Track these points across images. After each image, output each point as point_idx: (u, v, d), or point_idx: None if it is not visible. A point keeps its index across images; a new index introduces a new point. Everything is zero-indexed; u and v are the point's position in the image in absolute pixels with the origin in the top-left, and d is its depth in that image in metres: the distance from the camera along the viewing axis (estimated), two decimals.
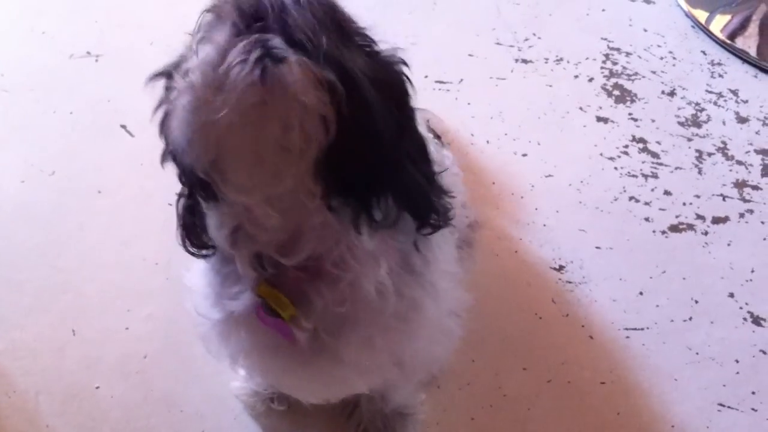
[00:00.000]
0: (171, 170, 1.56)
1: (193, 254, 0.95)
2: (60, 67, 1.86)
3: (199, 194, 0.85)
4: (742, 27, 2.02)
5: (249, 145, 0.74)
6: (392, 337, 0.97)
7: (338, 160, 0.75)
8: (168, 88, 0.81)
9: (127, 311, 1.45)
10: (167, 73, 0.82)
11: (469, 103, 1.80)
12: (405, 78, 0.83)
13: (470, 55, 1.91)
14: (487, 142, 1.73)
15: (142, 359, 1.39)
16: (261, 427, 1.33)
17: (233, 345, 1.00)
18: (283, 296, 0.90)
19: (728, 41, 1.97)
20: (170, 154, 0.82)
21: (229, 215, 0.84)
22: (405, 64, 0.83)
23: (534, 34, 1.97)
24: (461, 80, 1.85)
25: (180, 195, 0.93)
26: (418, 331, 0.99)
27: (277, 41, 0.71)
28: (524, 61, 1.91)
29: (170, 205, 1.55)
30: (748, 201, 1.65)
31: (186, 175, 0.84)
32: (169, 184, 1.58)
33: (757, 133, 1.78)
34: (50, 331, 1.43)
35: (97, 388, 1.36)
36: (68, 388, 1.36)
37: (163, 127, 0.81)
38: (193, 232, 0.93)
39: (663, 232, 1.59)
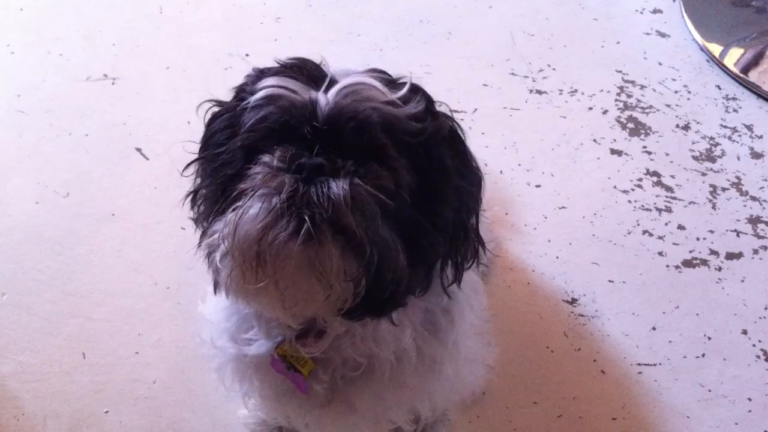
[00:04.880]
0: (183, 195, 1.57)
1: None
2: (76, 90, 1.87)
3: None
4: (756, 61, 2.02)
5: (284, 294, 0.80)
6: (408, 393, 0.98)
7: (360, 302, 0.80)
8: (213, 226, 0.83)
9: (137, 336, 1.45)
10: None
11: (483, 133, 1.80)
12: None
13: (484, 84, 1.91)
14: (501, 172, 1.73)
15: (151, 385, 1.39)
16: None
17: (246, 384, 1.02)
18: (303, 354, 0.92)
19: (741, 75, 1.97)
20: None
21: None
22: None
23: (548, 66, 1.97)
24: (475, 110, 1.85)
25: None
26: (435, 387, 1.00)
27: (317, 216, 0.75)
28: (538, 92, 1.91)
29: (183, 229, 1.58)
30: (762, 237, 1.64)
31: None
32: (180, 209, 1.61)
33: None
34: (59, 354, 1.43)
35: (106, 412, 1.36)
36: (76, 413, 1.36)
37: (208, 259, 0.85)
38: None
39: (676, 267, 1.58)
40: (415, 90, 0.83)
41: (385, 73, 0.84)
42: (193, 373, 1.40)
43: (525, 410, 1.37)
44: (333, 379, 0.95)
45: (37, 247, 1.57)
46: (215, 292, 0.88)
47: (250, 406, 1.30)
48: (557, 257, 1.58)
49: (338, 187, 0.75)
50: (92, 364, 1.42)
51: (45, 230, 1.60)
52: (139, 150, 1.74)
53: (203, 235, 0.85)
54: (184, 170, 0.92)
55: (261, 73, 0.85)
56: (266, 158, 0.78)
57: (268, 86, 0.80)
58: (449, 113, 0.88)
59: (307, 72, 0.82)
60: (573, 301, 1.52)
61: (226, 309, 1.00)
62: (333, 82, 0.80)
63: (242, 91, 0.86)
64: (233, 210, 0.77)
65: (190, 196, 0.91)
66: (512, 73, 1.96)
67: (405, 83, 0.82)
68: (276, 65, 0.85)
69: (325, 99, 0.78)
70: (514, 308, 1.49)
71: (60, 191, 1.66)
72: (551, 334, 1.47)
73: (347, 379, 0.95)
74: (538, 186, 1.71)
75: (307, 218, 0.74)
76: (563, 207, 1.67)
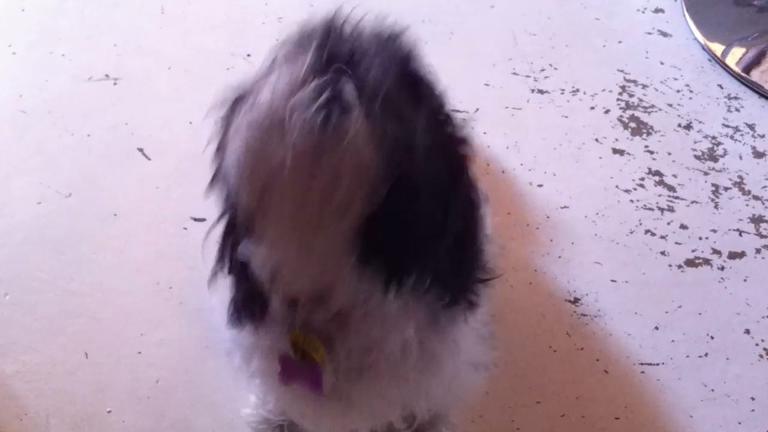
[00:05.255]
0: (186, 195, 1.57)
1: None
2: (78, 90, 1.87)
3: (240, 228, 0.83)
4: (758, 61, 2.02)
5: (295, 188, 0.71)
6: (407, 389, 0.97)
7: (378, 226, 0.72)
8: (230, 111, 0.78)
9: (140, 335, 1.45)
10: (235, 98, 0.79)
11: (484, 133, 1.80)
12: (464, 160, 0.82)
13: (486, 84, 1.91)
14: (503, 172, 1.73)
15: (154, 384, 1.39)
16: None
17: (254, 367, 1.01)
18: (316, 339, 0.89)
19: (744, 74, 1.97)
20: (220, 180, 0.82)
21: (267, 258, 0.82)
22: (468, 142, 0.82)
23: (550, 65, 1.97)
24: (477, 110, 1.85)
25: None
26: (434, 384, 0.99)
27: (349, 88, 0.68)
28: (540, 92, 1.91)
29: (185, 229, 1.59)
30: (765, 236, 1.64)
31: (233, 206, 0.82)
32: (183, 209, 1.61)
33: None
34: (62, 354, 1.43)
35: (109, 412, 1.36)
36: (80, 412, 1.36)
37: (219, 153, 0.80)
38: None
39: (679, 267, 1.58)
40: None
41: None
42: (197, 373, 1.40)
43: (528, 410, 1.37)
44: (336, 374, 0.93)
45: (40, 247, 1.57)
46: (212, 186, 0.84)
47: (252, 402, 1.32)
48: (559, 257, 1.58)
49: (366, 71, 0.70)
50: (95, 363, 1.42)
51: (47, 230, 1.60)
52: (141, 150, 1.74)
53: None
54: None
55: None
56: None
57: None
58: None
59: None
60: (575, 301, 1.52)
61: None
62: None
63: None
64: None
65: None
66: (514, 73, 1.96)
67: None
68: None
69: None
70: (516, 308, 1.49)
71: (62, 191, 1.66)
72: (554, 333, 1.47)
73: (347, 377, 0.93)
74: (540, 186, 1.71)
75: (342, 89, 0.68)
76: (565, 206, 1.67)
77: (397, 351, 0.91)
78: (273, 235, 0.77)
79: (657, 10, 2.14)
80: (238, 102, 0.77)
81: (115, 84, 1.89)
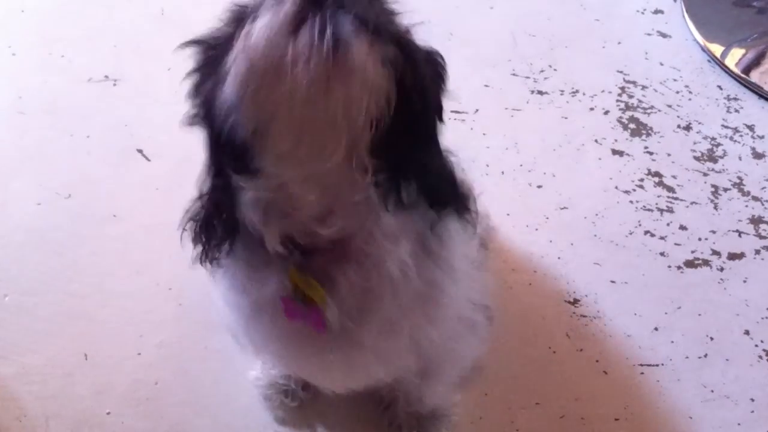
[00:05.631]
0: (186, 197, 1.57)
1: (210, 250, 0.96)
2: (77, 91, 1.87)
3: (230, 166, 0.83)
4: (757, 62, 2.02)
5: (307, 115, 0.72)
6: (413, 320, 0.98)
7: (393, 136, 0.76)
8: (215, 47, 0.81)
9: (139, 337, 1.45)
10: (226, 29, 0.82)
11: (484, 134, 1.80)
12: (444, 69, 0.86)
13: (486, 85, 1.91)
14: (502, 173, 1.73)
15: (153, 386, 1.39)
16: (274, 419, 1.34)
17: (258, 333, 1.03)
18: (313, 280, 0.91)
19: (743, 75, 1.97)
20: (203, 117, 0.82)
21: (263, 190, 0.83)
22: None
23: (550, 66, 1.97)
24: (476, 110, 1.85)
25: (206, 179, 0.91)
26: (439, 313, 1.01)
27: (348, 18, 0.70)
28: (540, 93, 1.91)
29: (185, 230, 1.58)
30: (764, 237, 1.64)
31: (220, 143, 0.81)
32: (183, 210, 1.61)
33: None
34: (62, 355, 1.43)
35: (108, 414, 1.36)
36: (79, 414, 1.36)
37: (201, 87, 0.82)
38: (222, 212, 0.91)
39: (678, 268, 1.58)
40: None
41: None
42: (196, 375, 1.40)
43: (527, 411, 1.37)
44: (341, 315, 0.94)
45: (39, 249, 1.57)
46: (191, 123, 0.86)
47: (259, 365, 1.34)
48: (559, 258, 1.58)
49: None
50: (94, 365, 1.42)
51: (46, 232, 1.60)
52: (140, 151, 1.74)
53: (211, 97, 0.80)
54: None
55: None
56: None
57: None
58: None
59: None
60: (575, 302, 1.51)
61: (231, 266, 0.99)
62: None
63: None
64: (243, 30, 0.73)
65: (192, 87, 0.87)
66: (513, 74, 1.96)
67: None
68: None
69: None
70: (515, 309, 1.49)
71: (61, 192, 1.66)
72: (553, 334, 1.47)
73: (353, 317, 0.95)
74: (539, 187, 1.71)
75: (328, 16, 0.70)
76: (565, 207, 1.67)
77: (398, 275, 0.92)
78: (273, 164, 0.79)
79: (656, 11, 2.14)
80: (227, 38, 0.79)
81: (114, 85, 1.89)
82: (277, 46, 0.70)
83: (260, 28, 0.71)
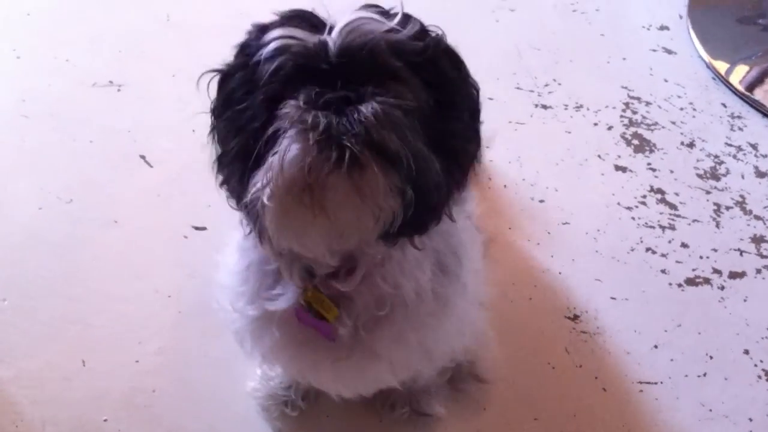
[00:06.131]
0: (187, 204, 1.57)
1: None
2: (81, 96, 1.87)
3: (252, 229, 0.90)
4: (761, 79, 2.02)
5: (334, 224, 0.83)
6: (424, 332, 1.02)
7: (402, 223, 0.83)
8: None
9: (137, 344, 1.44)
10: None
11: (487, 147, 1.79)
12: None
13: (490, 98, 1.90)
14: (504, 186, 1.73)
15: (150, 393, 1.38)
16: (272, 430, 1.34)
17: (267, 342, 1.04)
18: (328, 300, 0.97)
19: (747, 93, 1.97)
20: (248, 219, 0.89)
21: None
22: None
23: (554, 80, 1.97)
24: (480, 123, 1.84)
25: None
26: (448, 325, 1.05)
27: (366, 150, 0.78)
28: (544, 107, 1.91)
29: (186, 237, 1.58)
30: (766, 257, 1.63)
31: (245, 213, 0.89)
32: (184, 217, 1.61)
33: None
34: (59, 360, 1.42)
35: (105, 420, 1.35)
36: (75, 420, 1.35)
37: (250, 211, 0.86)
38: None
39: (679, 285, 1.57)
40: (408, 16, 0.88)
41: (377, 6, 0.88)
42: (194, 383, 1.39)
43: (525, 426, 1.36)
44: (355, 326, 0.99)
45: (39, 252, 1.57)
46: (261, 242, 0.90)
47: (258, 376, 1.35)
48: (560, 273, 1.58)
49: (367, 108, 0.78)
50: (92, 370, 1.41)
51: (47, 235, 1.59)
52: (143, 157, 1.74)
53: (241, 193, 0.86)
54: (209, 135, 0.93)
55: (263, 28, 0.88)
56: (293, 102, 0.81)
57: (276, 38, 0.83)
58: (442, 34, 0.92)
59: (307, 20, 0.86)
60: (575, 318, 1.51)
61: (241, 273, 1.03)
62: (333, 25, 0.84)
63: (247, 48, 0.89)
64: (273, 155, 0.79)
65: (217, 162, 0.92)
66: (518, 87, 1.96)
67: (398, 12, 0.87)
68: (275, 19, 0.88)
69: (332, 39, 0.82)
70: (515, 323, 1.49)
71: (63, 197, 1.66)
72: (552, 350, 1.46)
73: (369, 325, 0.99)
74: (541, 201, 1.70)
75: (348, 143, 0.77)
76: (566, 222, 1.67)
77: (413, 296, 0.98)
78: (301, 251, 0.89)
79: (662, 27, 2.15)
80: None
81: (118, 90, 1.89)
82: (303, 176, 0.78)
83: (290, 160, 0.78)
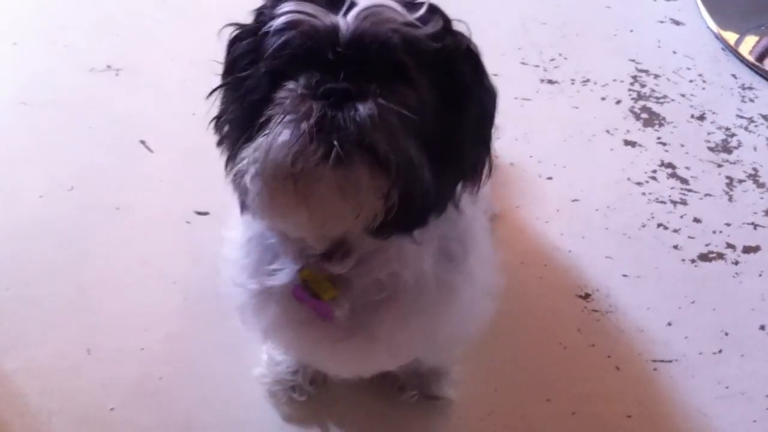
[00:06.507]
0: (190, 189, 1.55)
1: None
2: (80, 82, 1.85)
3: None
4: None
5: (315, 214, 0.82)
6: (427, 318, 1.00)
7: (388, 218, 0.81)
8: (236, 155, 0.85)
9: (144, 331, 1.43)
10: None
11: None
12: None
13: (495, 74, 1.84)
14: (511, 164, 1.70)
15: (158, 381, 1.37)
16: (280, 415, 1.32)
17: (267, 318, 1.03)
18: (325, 280, 0.95)
19: (756, 63, 1.94)
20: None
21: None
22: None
23: (560, 55, 1.94)
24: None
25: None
26: (452, 313, 1.03)
27: (357, 147, 0.76)
28: (550, 82, 1.88)
29: (188, 223, 1.56)
30: None
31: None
32: (187, 202, 1.59)
33: None
34: (66, 349, 1.40)
35: (112, 409, 1.33)
36: (83, 409, 1.33)
37: (236, 182, 0.85)
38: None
39: (692, 261, 1.55)
40: (433, 10, 0.85)
41: None
42: (201, 369, 1.37)
43: (538, 407, 1.34)
44: (354, 308, 0.97)
45: (42, 241, 1.55)
46: (241, 213, 0.90)
47: (264, 361, 1.33)
48: (570, 251, 1.55)
49: (364, 109, 0.77)
50: (98, 359, 1.39)
51: (50, 223, 1.57)
52: (143, 142, 1.72)
53: (229, 159, 0.86)
54: (209, 95, 0.91)
55: None
56: (292, 85, 0.80)
57: (288, 11, 0.81)
58: (467, 32, 0.89)
59: None
60: (586, 296, 1.49)
61: (244, 246, 1.02)
62: (352, 4, 0.81)
63: (261, 14, 0.86)
64: (263, 136, 0.78)
65: (215, 121, 0.91)
66: (523, 62, 1.93)
67: (423, 3, 0.84)
68: None
69: (345, 23, 0.79)
70: (526, 304, 1.47)
71: (65, 184, 1.64)
72: (564, 330, 1.44)
73: (368, 307, 0.97)
74: (549, 178, 1.68)
75: (336, 142, 0.76)
76: (576, 200, 1.64)
77: (413, 282, 0.96)
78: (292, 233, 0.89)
79: None
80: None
81: (117, 75, 1.86)
82: (288, 165, 0.77)
83: (277, 147, 0.77)
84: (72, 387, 1.36)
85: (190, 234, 1.56)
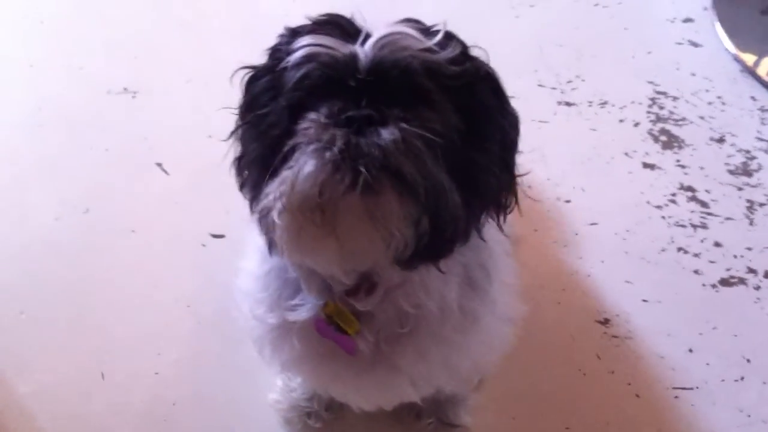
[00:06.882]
0: (205, 211, 1.54)
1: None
2: (96, 104, 1.85)
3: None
4: None
5: (344, 246, 0.80)
6: (449, 349, 0.99)
7: (419, 247, 0.80)
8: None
9: (156, 355, 1.42)
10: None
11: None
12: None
13: (511, 96, 1.85)
14: (529, 187, 1.67)
15: (171, 406, 1.36)
16: None
17: (287, 352, 1.02)
18: (349, 314, 0.94)
19: None
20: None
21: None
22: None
23: (577, 77, 1.93)
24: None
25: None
26: (475, 342, 1.02)
27: (382, 173, 0.75)
28: (567, 104, 1.86)
29: (204, 246, 1.55)
30: None
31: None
32: (202, 225, 1.58)
33: None
34: (78, 373, 1.40)
35: None
36: None
37: (262, 220, 0.84)
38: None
39: (713, 286, 1.52)
40: (450, 36, 0.85)
41: (418, 21, 0.85)
42: (214, 395, 1.36)
43: None
44: (377, 340, 0.96)
45: (56, 263, 1.54)
46: (270, 253, 0.89)
47: (279, 387, 1.32)
48: (589, 275, 1.53)
49: (388, 133, 0.76)
50: (111, 384, 1.39)
51: (64, 246, 1.57)
52: (159, 164, 1.71)
53: (254, 199, 0.85)
54: (229, 137, 0.90)
55: (294, 33, 0.85)
56: (314, 115, 0.79)
57: (306, 45, 0.81)
58: (484, 58, 0.88)
59: (341, 27, 0.83)
60: (606, 322, 1.46)
61: (261, 279, 1.00)
62: (368, 35, 0.81)
63: (277, 52, 0.86)
64: (287, 169, 0.77)
65: (236, 163, 0.91)
66: (540, 85, 1.91)
67: (439, 30, 0.84)
68: (308, 23, 0.85)
69: (363, 52, 0.79)
70: (544, 328, 1.44)
71: (79, 206, 1.64)
72: (583, 355, 1.42)
73: (391, 340, 0.96)
74: (567, 201, 1.66)
75: (362, 168, 0.74)
76: (594, 223, 1.62)
77: (437, 312, 0.94)
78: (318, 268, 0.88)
79: (687, 20, 2.09)
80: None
81: (133, 97, 1.87)
82: (315, 196, 0.76)
83: (303, 178, 0.76)
84: (84, 412, 1.36)
85: (205, 257, 1.55)
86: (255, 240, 1.00)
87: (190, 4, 2.11)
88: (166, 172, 1.71)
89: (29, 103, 1.85)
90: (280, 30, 0.89)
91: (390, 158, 0.75)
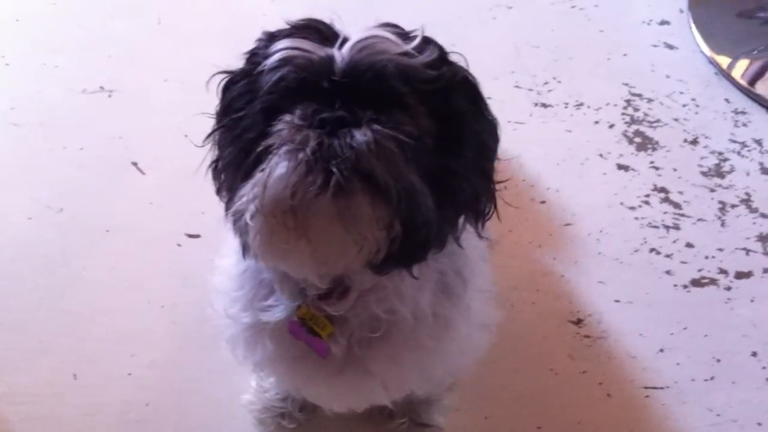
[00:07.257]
0: (180, 211, 1.54)
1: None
2: (72, 103, 1.84)
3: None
4: (762, 73, 1.98)
5: (317, 250, 0.80)
6: (422, 354, 1.00)
7: (391, 251, 0.80)
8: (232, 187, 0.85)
9: (130, 356, 1.41)
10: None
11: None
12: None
13: (488, 98, 1.87)
14: (504, 188, 1.68)
15: (144, 407, 1.35)
16: None
17: (260, 352, 1.02)
18: (322, 317, 0.94)
19: (749, 87, 1.93)
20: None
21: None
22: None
23: (554, 78, 1.94)
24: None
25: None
26: (448, 349, 1.02)
27: (355, 175, 0.75)
28: (543, 106, 1.87)
29: (179, 246, 1.55)
30: None
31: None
32: (178, 225, 1.58)
33: None
34: (51, 375, 1.39)
35: None
36: None
37: (236, 223, 0.84)
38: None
39: (684, 287, 1.54)
40: (428, 41, 0.85)
41: (396, 26, 0.85)
42: (188, 396, 1.36)
43: None
44: (350, 343, 0.96)
45: (29, 264, 1.54)
46: (244, 256, 0.89)
47: (253, 388, 1.32)
48: (562, 276, 1.54)
49: (361, 135, 0.76)
50: (84, 385, 1.38)
51: (37, 246, 1.56)
52: (135, 164, 1.71)
53: (229, 202, 0.85)
54: (204, 141, 0.91)
55: (272, 37, 0.85)
56: (288, 117, 0.79)
57: (282, 48, 0.81)
58: (463, 63, 0.89)
59: (319, 31, 0.84)
60: (578, 322, 1.48)
61: (237, 278, 1.01)
62: (346, 39, 0.81)
63: (254, 56, 0.86)
64: (260, 171, 0.77)
65: (212, 167, 0.91)
66: (516, 86, 1.92)
67: (417, 35, 0.84)
68: (287, 27, 0.86)
69: (340, 54, 0.80)
70: (517, 329, 1.45)
71: (53, 206, 1.63)
72: (556, 356, 1.43)
73: (364, 343, 0.96)
74: (542, 202, 1.67)
75: (334, 170, 0.75)
76: (569, 224, 1.63)
77: (411, 318, 0.94)
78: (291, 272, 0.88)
79: (663, 23, 2.11)
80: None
81: (109, 96, 1.86)
82: (287, 198, 0.76)
83: (275, 180, 0.76)
84: (57, 414, 1.35)
85: (180, 257, 1.55)
86: (232, 238, 1.01)
87: (167, 3, 2.10)
88: (141, 171, 1.70)
89: (4, 101, 1.84)
90: (258, 30, 0.89)
91: (362, 160, 0.75)
